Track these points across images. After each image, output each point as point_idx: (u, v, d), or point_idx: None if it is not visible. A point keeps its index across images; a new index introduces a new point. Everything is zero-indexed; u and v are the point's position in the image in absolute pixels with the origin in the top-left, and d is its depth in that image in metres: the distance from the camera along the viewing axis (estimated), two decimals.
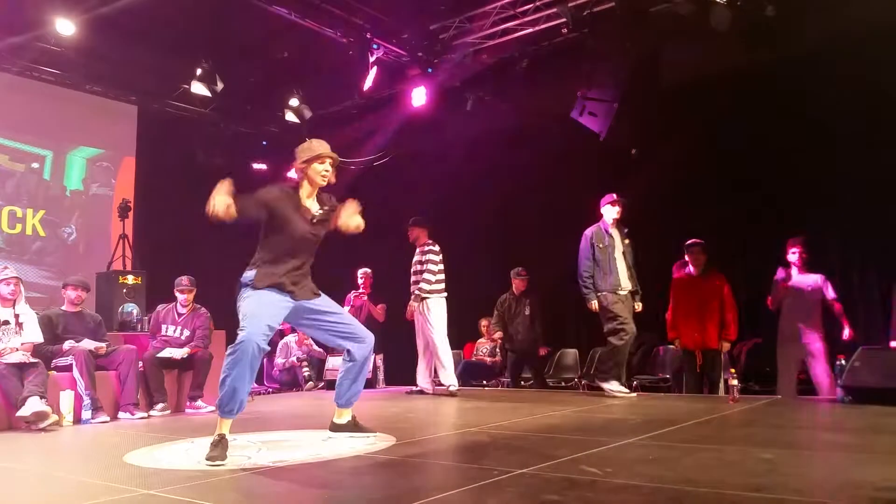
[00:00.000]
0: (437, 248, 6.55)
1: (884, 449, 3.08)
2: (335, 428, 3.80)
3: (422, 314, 6.46)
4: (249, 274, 3.45)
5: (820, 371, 5.87)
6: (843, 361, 4.95)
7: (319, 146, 3.58)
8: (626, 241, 5.96)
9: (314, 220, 3.54)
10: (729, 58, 6.47)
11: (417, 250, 6.61)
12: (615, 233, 5.94)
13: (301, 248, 3.53)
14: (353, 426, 3.78)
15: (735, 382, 5.10)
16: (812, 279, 6.00)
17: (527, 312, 7.46)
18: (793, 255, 6.05)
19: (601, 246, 5.85)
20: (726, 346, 6.07)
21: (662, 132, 7.29)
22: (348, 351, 3.69)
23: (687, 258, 6.24)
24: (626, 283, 5.85)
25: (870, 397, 4.60)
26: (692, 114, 7.13)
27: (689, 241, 6.24)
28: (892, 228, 5.97)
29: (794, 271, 6.05)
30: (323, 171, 3.55)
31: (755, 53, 6.26)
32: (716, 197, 7.12)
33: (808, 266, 6.04)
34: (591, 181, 7.60)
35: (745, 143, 6.83)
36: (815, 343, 5.89)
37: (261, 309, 3.35)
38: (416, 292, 6.44)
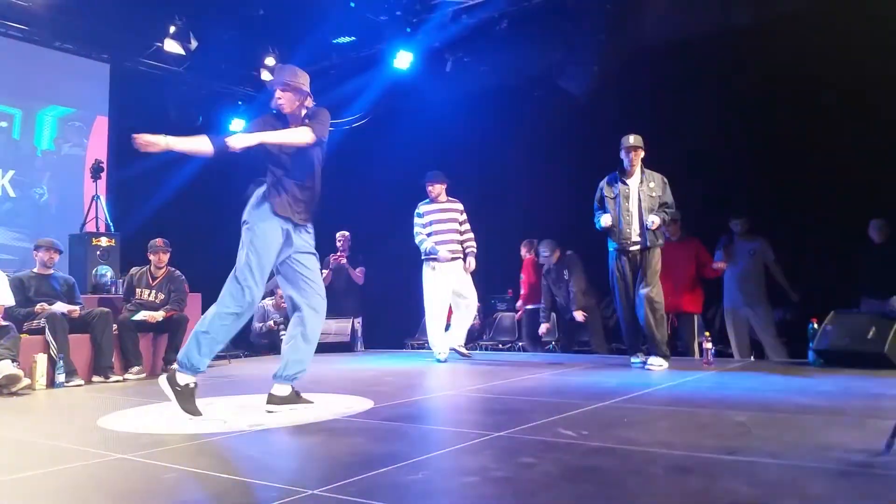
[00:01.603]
0: None
1: (854, 412, 3.13)
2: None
3: (466, 273, 6.29)
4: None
5: (766, 334, 6.04)
6: (815, 325, 5.02)
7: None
8: (651, 185, 5.18)
9: None
10: (710, 19, 6.42)
11: (439, 207, 6.37)
12: (633, 180, 5.22)
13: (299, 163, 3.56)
14: (295, 398, 3.56)
15: (709, 346, 5.16)
16: (752, 245, 6.12)
17: (565, 276, 7.04)
18: (734, 224, 6.18)
19: (611, 196, 5.25)
20: (720, 265, 6.15)
21: (645, 94, 7.24)
22: (299, 317, 3.57)
23: None
24: (636, 237, 5.15)
25: (841, 360, 4.68)
26: (674, 76, 7.08)
27: None
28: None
29: (736, 238, 6.23)
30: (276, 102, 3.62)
31: (734, 17, 6.23)
32: (696, 163, 7.11)
33: (750, 232, 6.16)
34: (571, 142, 7.58)
35: (728, 107, 6.80)
36: (758, 306, 6.04)
37: (268, 257, 3.43)
38: (471, 252, 6.31)
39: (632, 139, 5.22)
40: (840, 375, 4.31)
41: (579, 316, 6.77)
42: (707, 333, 5.39)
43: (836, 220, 6.12)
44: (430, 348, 6.39)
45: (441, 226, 6.31)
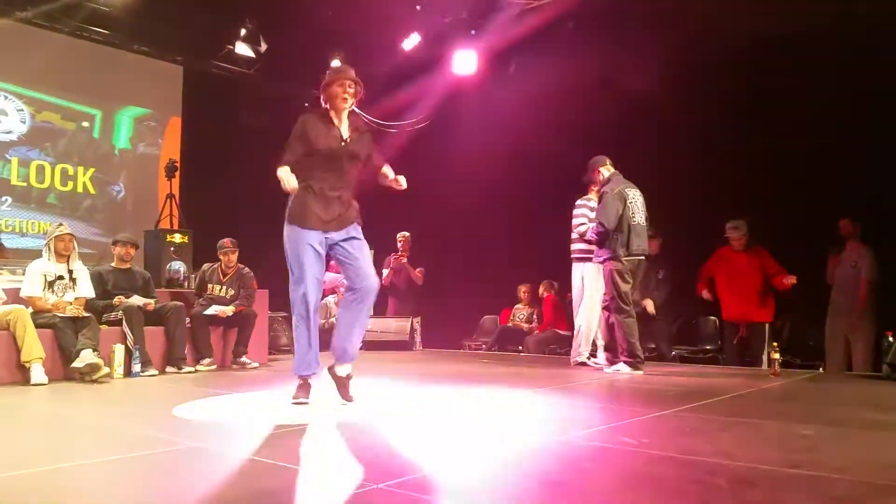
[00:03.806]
0: None
1: None
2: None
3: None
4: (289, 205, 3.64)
5: (859, 349, 5.80)
6: (890, 338, 4.86)
7: (335, 71, 3.78)
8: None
9: (344, 142, 3.66)
10: (787, 22, 6.22)
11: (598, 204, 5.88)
12: None
13: (333, 169, 3.63)
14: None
15: (777, 356, 5.05)
16: (855, 254, 5.88)
17: (660, 276, 6.69)
18: (843, 229, 5.95)
19: None
20: (790, 279, 5.86)
21: (712, 98, 7.10)
22: (351, 289, 3.67)
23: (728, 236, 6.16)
24: None
25: None
26: (744, 80, 6.92)
27: (728, 224, 6.14)
28: None
29: (847, 245, 5.95)
30: (342, 94, 3.65)
31: (815, 17, 6.01)
32: (767, 168, 6.91)
33: (857, 241, 5.90)
34: (636, 147, 7.47)
35: (802, 112, 6.59)
36: (857, 320, 5.80)
37: (301, 260, 3.55)
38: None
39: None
40: None
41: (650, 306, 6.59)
42: (775, 344, 5.27)
43: None
44: (487, 348, 6.40)
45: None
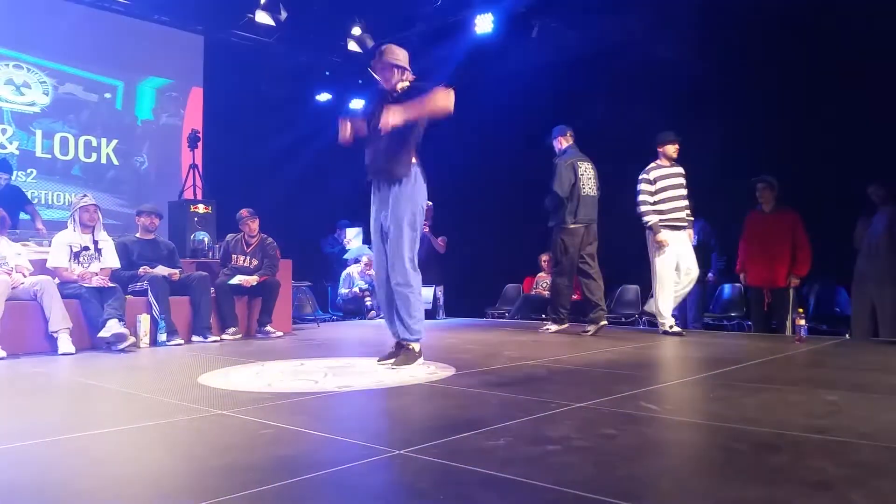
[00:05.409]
0: None
1: None
2: None
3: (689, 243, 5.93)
4: None
5: (885, 314, 5.70)
6: None
7: None
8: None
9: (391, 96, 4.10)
10: None
11: (673, 171, 5.79)
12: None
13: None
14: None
15: (802, 322, 4.99)
16: (884, 215, 5.76)
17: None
18: (871, 194, 5.82)
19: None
20: (795, 281, 5.89)
21: (742, 59, 6.93)
22: None
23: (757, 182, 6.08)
24: None
25: None
26: (776, 41, 6.74)
27: (755, 179, 6.05)
28: None
29: (876, 211, 5.83)
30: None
31: None
32: (794, 132, 6.77)
33: (892, 205, 5.77)
34: (665, 109, 7.34)
35: (832, 75, 6.41)
36: (885, 285, 5.70)
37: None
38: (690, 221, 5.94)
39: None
40: None
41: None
42: (800, 310, 5.20)
43: None
44: (510, 317, 6.41)
45: (674, 192, 5.76)
